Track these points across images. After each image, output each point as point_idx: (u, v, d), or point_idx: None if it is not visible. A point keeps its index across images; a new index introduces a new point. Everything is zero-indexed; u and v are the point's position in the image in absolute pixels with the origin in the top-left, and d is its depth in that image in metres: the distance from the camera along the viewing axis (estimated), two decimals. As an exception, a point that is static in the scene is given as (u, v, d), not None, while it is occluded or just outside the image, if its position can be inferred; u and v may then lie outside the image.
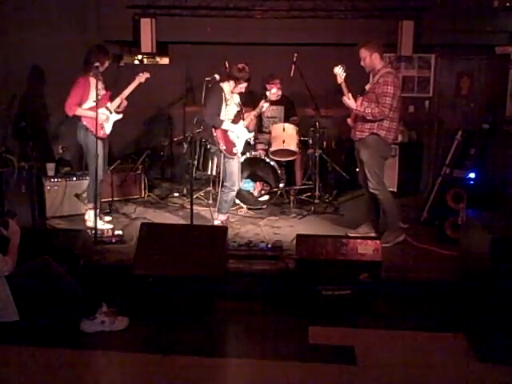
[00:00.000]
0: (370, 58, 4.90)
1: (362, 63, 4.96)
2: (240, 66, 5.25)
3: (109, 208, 5.97)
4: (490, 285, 3.82)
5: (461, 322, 3.90)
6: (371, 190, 5.01)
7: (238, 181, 5.43)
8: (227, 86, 5.27)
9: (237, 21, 7.18)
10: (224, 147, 5.23)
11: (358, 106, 4.89)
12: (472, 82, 7.35)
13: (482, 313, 3.81)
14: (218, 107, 5.22)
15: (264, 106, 5.60)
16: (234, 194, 5.47)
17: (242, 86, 5.29)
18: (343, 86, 4.92)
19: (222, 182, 5.33)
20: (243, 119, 5.48)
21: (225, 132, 5.28)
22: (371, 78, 5.07)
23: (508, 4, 6.33)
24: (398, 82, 4.94)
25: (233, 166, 5.34)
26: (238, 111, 5.41)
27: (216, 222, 5.40)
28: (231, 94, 5.31)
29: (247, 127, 5.51)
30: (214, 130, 5.23)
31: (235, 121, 5.37)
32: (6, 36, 6.11)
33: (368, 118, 4.85)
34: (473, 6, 6.85)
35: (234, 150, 5.34)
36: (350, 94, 4.91)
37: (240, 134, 5.42)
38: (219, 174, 5.44)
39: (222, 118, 5.25)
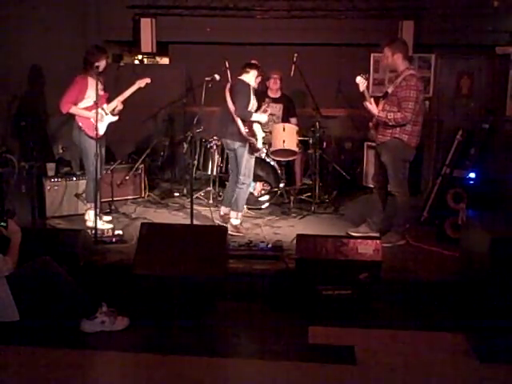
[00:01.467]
0: (392, 58, 4.84)
1: (383, 62, 4.97)
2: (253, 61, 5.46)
3: (109, 208, 5.97)
4: (489, 285, 3.82)
5: (461, 322, 3.90)
6: (391, 191, 5.02)
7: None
8: (249, 79, 5.31)
9: (237, 21, 7.18)
10: (253, 141, 5.29)
11: (379, 112, 4.85)
12: (472, 81, 7.33)
13: (482, 313, 3.81)
14: (248, 100, 5.27)
15: (268, 110, 5.66)
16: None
17: (260, 78, 5.43)
18: (365, 93, 4.89)
19: (240, 179, 5.33)
20: None
21: (251, 126, 5.32)
22: (385, 79, 5.06)
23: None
24: (420, 84, 4.87)
25: (253, 161, 5.43)
26: (256, 107, 5.50)
27: (236, 222, 5.37)
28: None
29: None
30: (243, 125, 5.23)
31: None
32: (6, 36, 6.11)
33: (390, 124, 4.80)
34: (473, 5, 6.86)
35: (259, 145, 5.42)
36: (371, 99, 4.89)
37: (260, 129, 5.49)
38: (220, 173, 5.44)
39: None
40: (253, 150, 5.33)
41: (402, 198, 5.00)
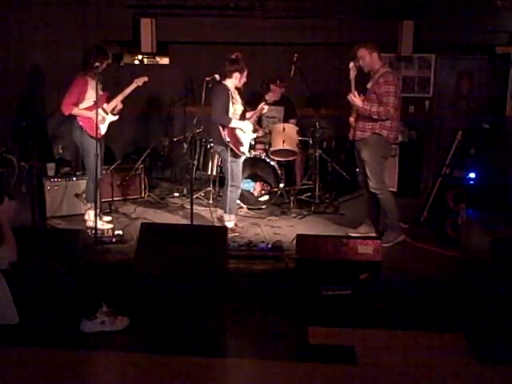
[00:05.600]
0: (370, 57, 4.92)
1: (360, 63, 4.96)
2: (234, 56, 5.29)
3: (109, 208, 5.97)
4: (489, 285, 3.83)
5: (461, 321, 3.90)
6: (371, 190, 5.01)
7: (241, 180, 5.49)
8: (231, 83, 5.24)
9: (237, 21, 7.18)
10: (233, 147, 5.20)
11: (363, 103, 4.88)
12: (472, 82, 7.35)
13: (482, 313, 3.81)
14: (227, 105, 5.17)
15: (265, 108, 5.63)
16: (239, 192, 5.51)
17: (245, 74, 5.29)
18: (352, 82, 4.93)
19: (228, 181, 5.30)
20: (245, 119, 5.49)
21: (233, 131, 5.25)
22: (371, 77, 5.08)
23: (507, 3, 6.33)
24: (398, 80, 4.98)
25: (239, 165, 5.37)
26: (243, 110, 5.42)
27: (230, 224, 5.29)
28: (235, 91, 5.30)
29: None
30: (222, 129, 5.15)
31: (241, 120, 5.39)
32: (6, 36, 6.12)
33: (374, 116, 4.84)
34: (473, 5, 6.86)
35: (242, 149, 5.34)
36: (356, 92, 4.91)
37: (247, 132, 5.43)
38: (220, 173, 5.42)
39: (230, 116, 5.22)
40: (235, 154, 5.26)
41: (384, 196, 5.02)
